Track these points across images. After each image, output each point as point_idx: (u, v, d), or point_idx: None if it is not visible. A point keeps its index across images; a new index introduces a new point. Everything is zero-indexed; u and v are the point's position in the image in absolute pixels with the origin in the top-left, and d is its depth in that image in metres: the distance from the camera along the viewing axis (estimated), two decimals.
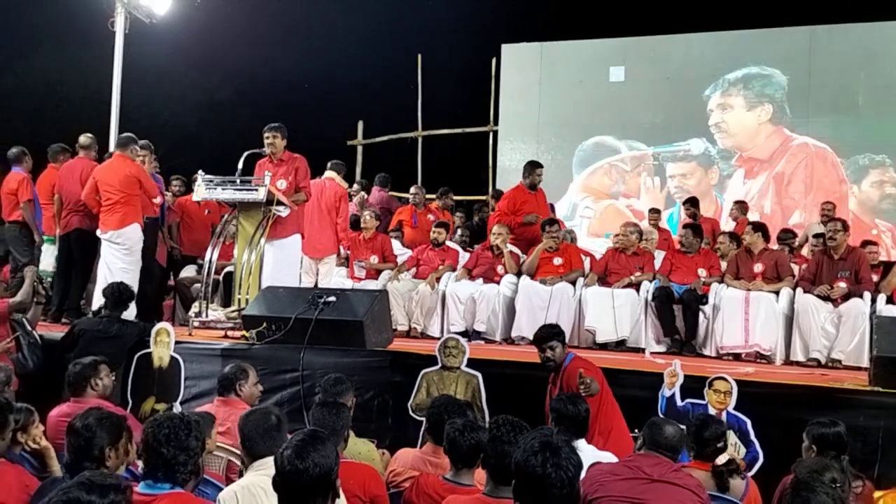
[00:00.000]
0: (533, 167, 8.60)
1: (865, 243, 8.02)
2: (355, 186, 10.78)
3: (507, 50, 13.87)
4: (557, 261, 7.85)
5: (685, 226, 8.11)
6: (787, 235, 9.39)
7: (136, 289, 6.84)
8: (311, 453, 2.56)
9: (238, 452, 4.13)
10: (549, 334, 5.04)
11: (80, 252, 7.72)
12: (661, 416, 5.19)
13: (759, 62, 12.52)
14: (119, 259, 7.21)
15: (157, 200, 7.85)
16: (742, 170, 12.59)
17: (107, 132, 10.67)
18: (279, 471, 2.60)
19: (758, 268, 7.10)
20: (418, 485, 3.63)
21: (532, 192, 8.56)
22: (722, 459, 3.96)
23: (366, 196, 10.67)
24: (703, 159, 12.75)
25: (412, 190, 10.16)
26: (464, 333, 7.25)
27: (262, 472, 3.19)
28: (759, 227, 7.42)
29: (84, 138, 8.04)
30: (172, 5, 11.11)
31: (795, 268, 7.59)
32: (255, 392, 4.88)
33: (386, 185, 11.03)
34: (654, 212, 10.40)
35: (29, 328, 6.16)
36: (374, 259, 8.38)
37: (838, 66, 11.99)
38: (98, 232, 7.34)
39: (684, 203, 10.35)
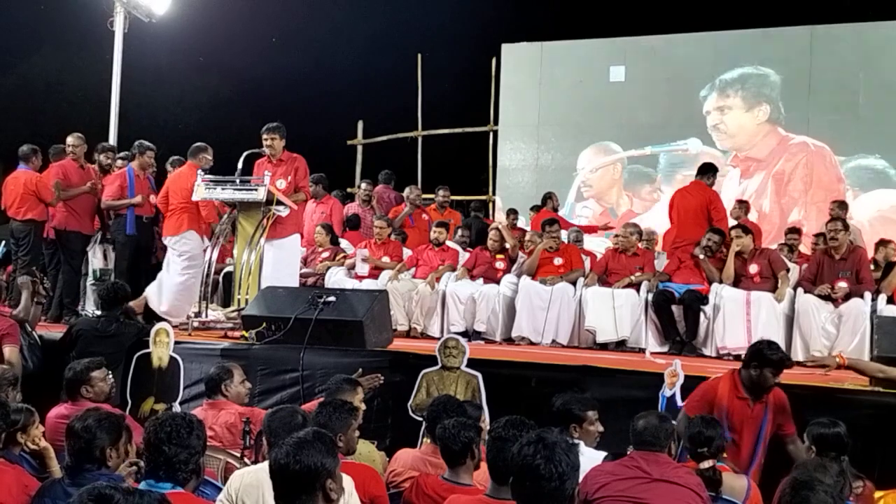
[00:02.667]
0: (715, 169, 8.35)
1: (882, 242, 8.00)
2: (363, 185, 10.72)
3: (507, 50, 13.86)
4: (558, 261, 7.86)
5: (713, 229, 7.93)
6: (792, 234, 9.37)
7: (196, 294, 6.98)
8: (297, 452, 2.57)
9: (235, 454, 4.14)
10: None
11: (64, 251, 7.80)
12: None
13: (757, 62, 12.53)
14: (177, 264, 7.30)
15: (153, 200, 7.86)
16: (738, 170, 12.59)
17: (106, 132, 10.67)
18: (270, 463, 2.64)
19: (753, 269, 7.10)
20: (418, 485, 3.62)
21: None
22: (706, 464, 3.95)
23: (375, 196, 10.58)
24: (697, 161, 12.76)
25: (407, 191, 10.09)
26: (464, 333, 7.24)
27: None
28: (748, 230, 7.40)
29: (70, 137, 8.06)
30: (171, 5, 11.11)
31: (797, 267, 7.58)
32: (242, 391, 4.88)
33: (390, 182, 11.01)
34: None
35: (28, 329, 6.15)
36: (385, 259, 8.38)
37: (838, 66, 11.99)
38: (164, 238, 7.48)
39: None
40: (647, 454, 3.45)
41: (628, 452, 3.60)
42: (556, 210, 10.61)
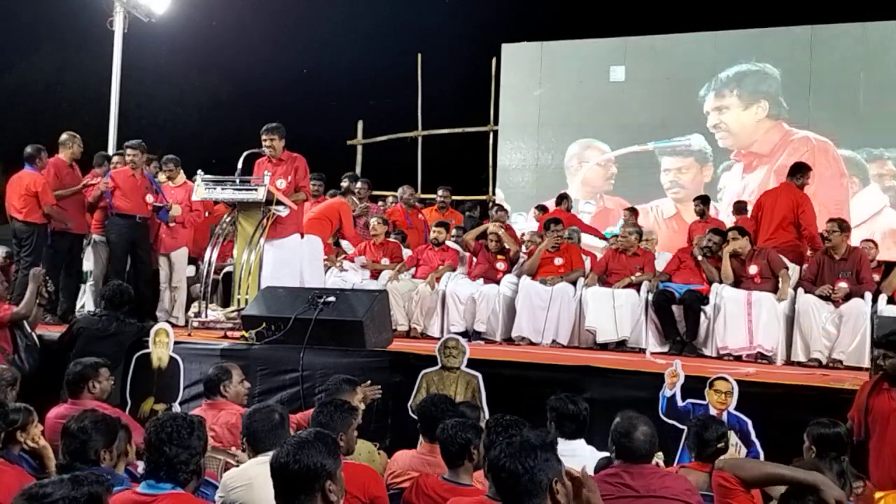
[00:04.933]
0: (806, 168, 7.94)
1: (863, 241, 8.00)
2: (359, 184, 10.68)
3: (507, 50, 13.87)
4: (558, 261, 7.85)
5: (713, 230, 7.88)
6: None
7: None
8: (296, 451, 2.57)
9: (234, 454, 4.15)
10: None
11: (46, 249, 7.77)
12: (661, 415, 5.20)
13: (758, 60, 12.55)
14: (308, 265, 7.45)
15: (150, 199, 7.86)
16: (741, 164, 12.61)
17: (106, 132, 10.67)
18: (270, 462, 2.65)
19: (753, 269, 7.08)
20: (418, 485, 3.62)
21: None
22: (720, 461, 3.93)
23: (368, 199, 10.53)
24: (699, 156, 12.79)
25: (404, 189, 10.04)
26: (464, 333, 7.24)
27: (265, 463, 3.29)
28: (744, 231, 7.37)
29: (65, 135, 8.06)
30: (171, 4, 11.09)
31: (797, 267, 7.58)
32: (241, 391, 4.89)
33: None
34: (630, 211, 10.58)
35: (28, 330, 6.13)
36: (385, 261, 8.39)
37: (838, 65, 12.01)
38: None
39: (694, 200, 10.35)
40: (631, 466, 3.27)
41: (613, 463, 3.40)
42: (569, 210, 10.54)
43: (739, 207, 10.24)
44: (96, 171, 8.39)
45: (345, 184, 9.89)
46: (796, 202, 7.56)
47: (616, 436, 3.33)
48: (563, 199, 10.51)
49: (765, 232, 7.63)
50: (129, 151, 7.84)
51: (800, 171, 7.82)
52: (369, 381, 5.00)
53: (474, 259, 8.24)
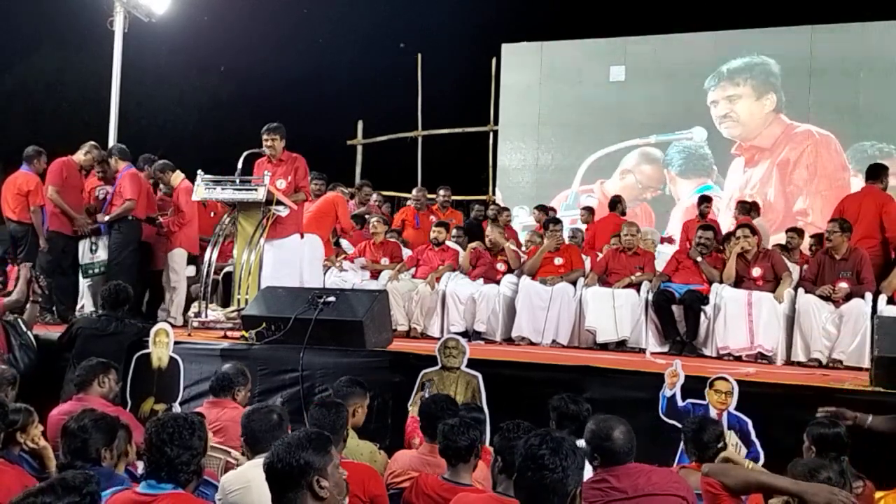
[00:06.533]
0: (886, 169, 7.69)
1: None
2: (359, 184, 10.70)
3: (507, 50, 13.90)
4: (558, 261, 7.86)
5: (702, 226, 7.87)
6: (792, 233, 9.36)
7: None
8: (281, 451, 2.58)
9: (234, 453, 4.15)
10: None
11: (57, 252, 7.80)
12: (661, 415, 5.20)
13: (757, 55, 12.60)
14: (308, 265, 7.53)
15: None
16: (742, 158, 12.61)
17: (106, 132, 10.66)
18: (262, 463, 2.66)
19: (756, 272, 7.07)
20: (417, 485, 3.62)
21: None
22: (726, 454, 3.93)
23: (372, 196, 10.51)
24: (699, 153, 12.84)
25: (415, 192, 10.11)
26: (464, 334, 7.24)
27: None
28: (755, 230, 7.35)
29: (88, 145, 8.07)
30: (171, 4, 11.09)
31: (797, 268, 7.57)
32: (246, 399, 4.91)
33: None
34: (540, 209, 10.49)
35: (23, 328, 6.12)
36: (385, 261, 8.40)
37: (838, 65, 12.03)
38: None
39: (699, 200, 10.34)
40: (615, 469, 3.14)
41: (594, 468, 3.24)
42: (623, 214, 9.95)
43: (744, 207, 10.23)
44: (95, 171, 8.39)
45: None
46: (880, 204, 7.38)
47: (595, 441, 3.20)
48: (616, 202, 10.04)
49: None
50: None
51: (881, 172, 7.65)
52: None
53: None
